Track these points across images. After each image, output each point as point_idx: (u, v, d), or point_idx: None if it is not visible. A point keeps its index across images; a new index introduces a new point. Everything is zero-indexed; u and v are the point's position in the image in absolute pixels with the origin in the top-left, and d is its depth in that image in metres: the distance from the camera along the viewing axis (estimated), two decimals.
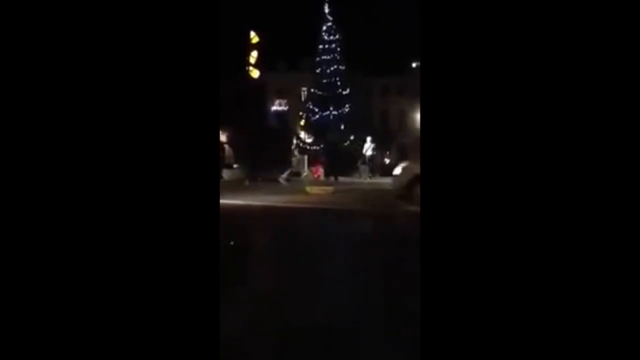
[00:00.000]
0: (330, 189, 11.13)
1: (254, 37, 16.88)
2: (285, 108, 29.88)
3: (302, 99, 29.15)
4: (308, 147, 25.14)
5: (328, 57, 25.62)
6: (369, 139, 17.31)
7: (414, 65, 28.55)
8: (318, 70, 25.74)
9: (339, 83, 25.54)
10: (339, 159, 14.78)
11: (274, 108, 29.72)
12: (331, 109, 25.12)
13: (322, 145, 23.24)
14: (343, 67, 25.81)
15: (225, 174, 15.83)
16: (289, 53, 29.44)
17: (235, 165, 17.57)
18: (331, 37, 25.67)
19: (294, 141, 26.59)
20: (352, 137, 24.23)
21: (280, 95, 29.91)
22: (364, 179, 13.10)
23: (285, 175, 14.46)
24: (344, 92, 25.59)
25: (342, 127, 24.47)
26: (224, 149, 18.28)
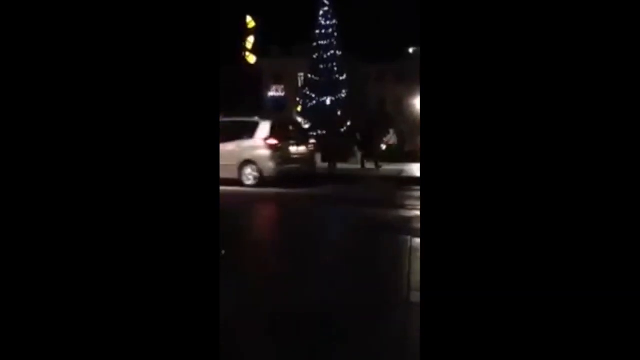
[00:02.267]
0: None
1: (250, 22, 16.56)
2: (282, 94, 29.63)
3: (299, 84, 28.86)
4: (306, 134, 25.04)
5: (325, 42, 25.38)
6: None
7: (411, 50, 28.33)
8: (315, 56, 25.49)
9: (335, 69, 25.34)
10: (336, 146, 14.55)
11: (270, 94, 29.47)
12: (328, 95, 24.96)
13: (319, 132, 23.12)
14: (340, 53, 25.58)
15: None
16: (285, 38, 29.08)
17: None
18: (328, 22, 25.38)
19: (290, 127, 26.45)
20: (348, 123, 24.14)
21: (277, 81, 29.62)
22: (373, 166, 12.19)
23: None
24: (340, 78, 25.42)
25: (339, 113, 24.33)
26: None
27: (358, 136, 14.51)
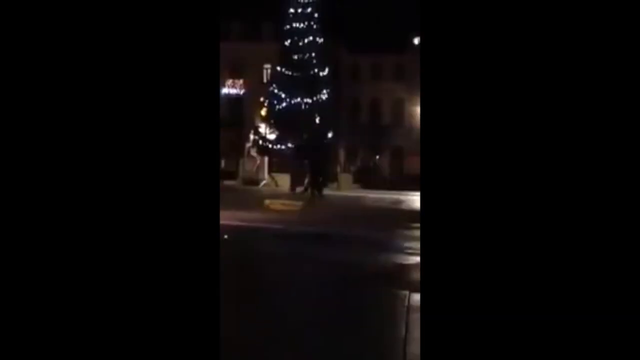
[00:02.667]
0: (298, 204, 10.96)
1: None
2: (241, 91, 29.72)
3: (265, 79, 28.96)
4: (270, 146, 25.02)
5: (301, 25, 25.56)
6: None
7: (416, 41, 28.46)
8: (287, 42, 25.62)
9: (314, 61, 25.44)
10: (319, 166, 14.08)
11: (224, 90, 29.49)
12: (303, 95, 24.96)
13: (289, 145, 23.10)
14: (321, 40, 25.80)
15: None
16: (248, 15, 29.27)
17: None
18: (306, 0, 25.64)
19: (251, 137, 26.44)
20: (329, 135, 24.21)
21: (234, 74, 29.70)
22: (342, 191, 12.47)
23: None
24: (321, 73, 25.52)
25: (317, 119, 24.33)
26: None
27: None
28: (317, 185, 13.79)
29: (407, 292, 3.91)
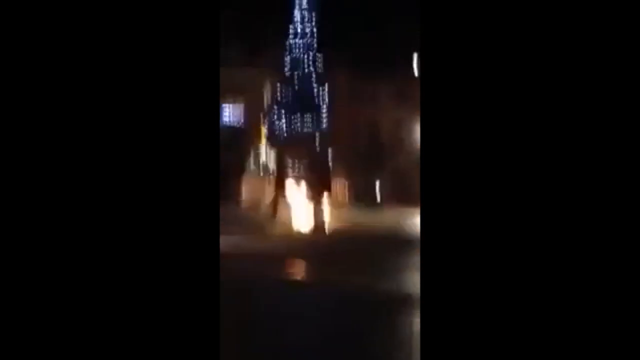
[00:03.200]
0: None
1: None
2: (240, 116, 29.75)
3: (265, 105, 29.07)
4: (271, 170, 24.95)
5: (300, 53, 25.80)
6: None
7: (415, 63, 28.51)
8: (287, 69, 25.83)
9: (315, 88, 25.61)
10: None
11: (225, 114, 29.57)
12: (304, 120, 25.03)
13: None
14: (320, 65, 25.97)
15: None
16: (249, 43, 29.45)
17: None
18: (306, 29, 25.88)
19: (252, 162, 26.37)
20: (330, 154, 24.23)
21: (234, 99, 29.75)
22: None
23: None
24: (321, 101, 25.64)
25: (317, 143, 24.42)
26: None
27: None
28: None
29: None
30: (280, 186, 13.66)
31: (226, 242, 7.29)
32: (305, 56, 25.71)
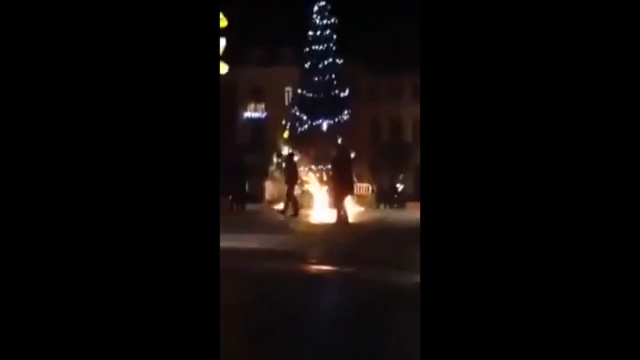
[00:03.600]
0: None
1: (221, 20, 16.90)
2: (263, 114, 29.82)
3: (286, 102, 29.05)
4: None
5: (320, 47, 25.70)
6: None
7: None
8: (307, 65, 25.75)
9: (335, 82, 25.50)
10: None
11: (246, 114, 29.62)
12: (325, 116, 24.94)
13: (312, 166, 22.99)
14: (340, 61, 25.87)
15: None
16: (269, 41, 29.50)
17: None
18: (325, 22, 25.80)
19: (274, 160, 26.43)
20: (352, 155, 24.06)
21: (256, 97, 29.83)
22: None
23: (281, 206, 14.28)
24: (341, 94, 25.54)
25: (340, 140, 24.28)
26: None
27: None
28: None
29: None
30: (293, 184, 13.70)
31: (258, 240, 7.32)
32: (325, 48, 25.56)
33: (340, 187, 11.18)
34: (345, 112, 25.33)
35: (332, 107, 24.91)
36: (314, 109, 24.94)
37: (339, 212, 10.80)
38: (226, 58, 16.21)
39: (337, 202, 11.27)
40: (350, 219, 11.18)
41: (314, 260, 5.89)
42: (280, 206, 14.56)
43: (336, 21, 25.74)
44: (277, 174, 24.86)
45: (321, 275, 5.21)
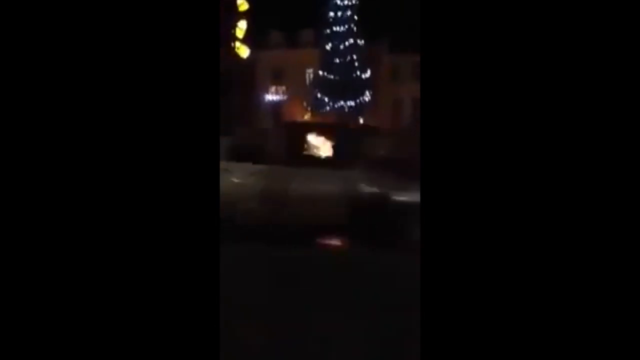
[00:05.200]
0: None
1: (241, 3, 16.76)
2: (284, 97, 29.68)
3: (307, 84, 28.85)
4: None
5: (341, 28, 25.40)
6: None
7: None
8: (328, 46, 25.49)
9: (356, 63, 25.23)
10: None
11: (268, 97, 29.53)
12: (346, 98, 24.74)
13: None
14: (362, 42, 25.55)
15: None
16: (288, 23, 29.24)
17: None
18: (345, 2, 25.43)
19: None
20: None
21: (277, 80, 29.72)
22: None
23: None
24: (363, 76, 25.27)
25: (361, 121, 24.12)
26: None
27: None
28: None
29: None
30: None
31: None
32: (346, 29, 25.27)
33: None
34: (367, 93, 25.14)
35: (353, 89, 24.72)
36: (336, 91, 24.76)
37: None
38: (247, 41, 15.98)
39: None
40: None
41: None
42: None
43: (357, 2, 25.42)
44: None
45: None
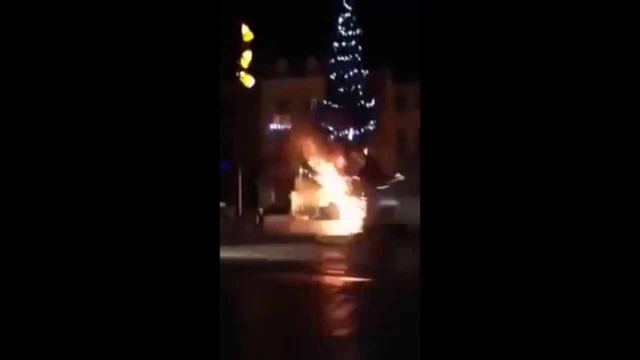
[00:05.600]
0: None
1: (246, 34, 16.90)
2: (288, 126, 29.72)
3: (311, 113, 28.93)
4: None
5: (345, 58, 25.57)
6: None
7: None
8: (332, 76, 25.64)
9: (360, 93, 25.35)
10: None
11: (272, 126, 29.60)
12: (351, 127, 24.80)
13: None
14: (366, 72, 25.71)
15: None
16: (293, 52, 29.46)
17: (221, 204, 17.89)
18: (350, 32, 25.65)
19: (300, 171, 26.31)
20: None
21: (281, 109, 29.82)
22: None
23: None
24: (367, 105, 25.36)
25: (366, 151, 24.10)
26: None
27: None
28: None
29: None
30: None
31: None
32: (350, 59, 25.47)
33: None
34: (371, 122, 25.20)
35: (358, 118, 24.78)
36: (340, 120, 24.82)
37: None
38: (251, 71, 16.02)
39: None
40: None
41: None
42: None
43: (361, 32, 25.64)
44: (303, 185, 24.73)
45: None
